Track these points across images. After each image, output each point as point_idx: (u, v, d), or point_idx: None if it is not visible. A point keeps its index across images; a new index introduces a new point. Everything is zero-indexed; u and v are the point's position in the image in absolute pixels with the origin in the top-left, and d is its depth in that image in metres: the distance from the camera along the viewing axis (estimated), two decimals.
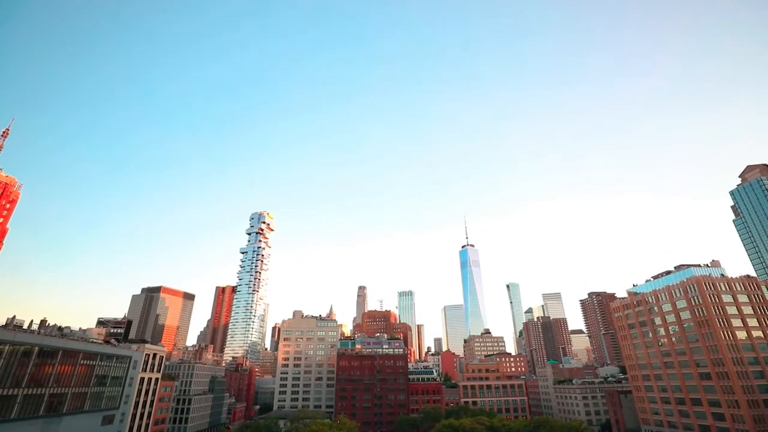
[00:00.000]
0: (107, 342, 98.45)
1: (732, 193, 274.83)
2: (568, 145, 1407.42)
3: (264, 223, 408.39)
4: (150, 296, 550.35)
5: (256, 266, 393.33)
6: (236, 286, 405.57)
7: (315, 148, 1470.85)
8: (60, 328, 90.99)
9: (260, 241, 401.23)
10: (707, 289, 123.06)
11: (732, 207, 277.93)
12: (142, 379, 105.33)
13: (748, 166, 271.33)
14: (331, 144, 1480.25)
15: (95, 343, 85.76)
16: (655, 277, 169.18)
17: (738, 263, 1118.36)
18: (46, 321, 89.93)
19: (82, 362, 74.06)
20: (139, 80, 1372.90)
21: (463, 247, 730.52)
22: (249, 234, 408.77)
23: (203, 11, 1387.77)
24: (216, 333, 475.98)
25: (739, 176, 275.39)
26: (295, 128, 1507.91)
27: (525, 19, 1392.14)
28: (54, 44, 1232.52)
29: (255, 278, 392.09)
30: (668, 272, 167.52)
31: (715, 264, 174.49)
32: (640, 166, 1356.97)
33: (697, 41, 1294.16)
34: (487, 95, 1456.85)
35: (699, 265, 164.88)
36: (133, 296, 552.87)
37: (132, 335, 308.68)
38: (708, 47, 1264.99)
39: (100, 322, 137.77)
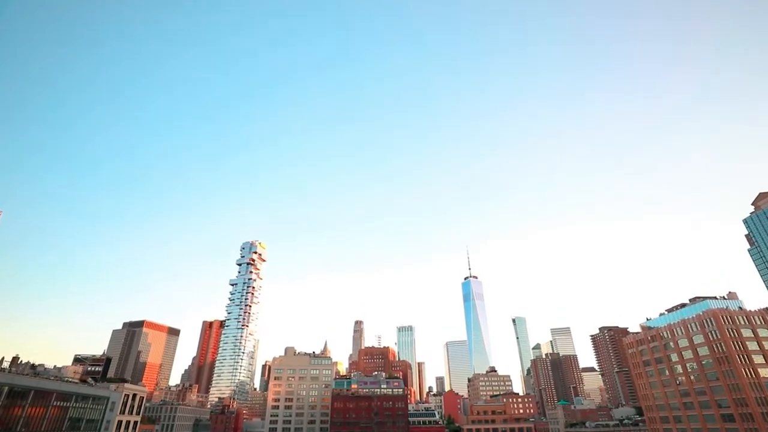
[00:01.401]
0: (84, 381, 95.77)
1: (745, 221, 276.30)
2: (575, 169, 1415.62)
3: (255, 253, 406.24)
4: (132, 331, 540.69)
5: (246, 299, 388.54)
6: (224, 321, 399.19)
7: (310, 174, 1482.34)
8: (33, 366, 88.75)
9: (251, 272, 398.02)
10: (725, 323, 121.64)
11: (746, 236, 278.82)
12: (120, 422, 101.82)
13: (760, 193, 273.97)
14: (326, 171, 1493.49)
15: (70, 382, 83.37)
16: (669, 311, 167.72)
17: (755, 294, 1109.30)
18: (19, 358, 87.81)
19: (55, 403, 71.76)
20: (123, 98, 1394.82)
21: (465, 278, 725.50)
22: (239, 265, 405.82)
23: (192, 18, 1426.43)
24: (201, 371, 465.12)
25: (752, 204, 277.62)
26: (289, 152, 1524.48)
27: (534, 31, 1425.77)
28: (33, 59, 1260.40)
29: (245, 312, 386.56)
30: (683, 305, 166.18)
31: (732, 296, 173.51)
32: (650, 190, 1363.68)
33: (718, 54, 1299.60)
34: (490, 113, 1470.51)
35: (715, 297, 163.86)
36: (114, 331, 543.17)
37: (111, 373, 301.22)
38: (730, 61, 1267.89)
39: (77, 360, 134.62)
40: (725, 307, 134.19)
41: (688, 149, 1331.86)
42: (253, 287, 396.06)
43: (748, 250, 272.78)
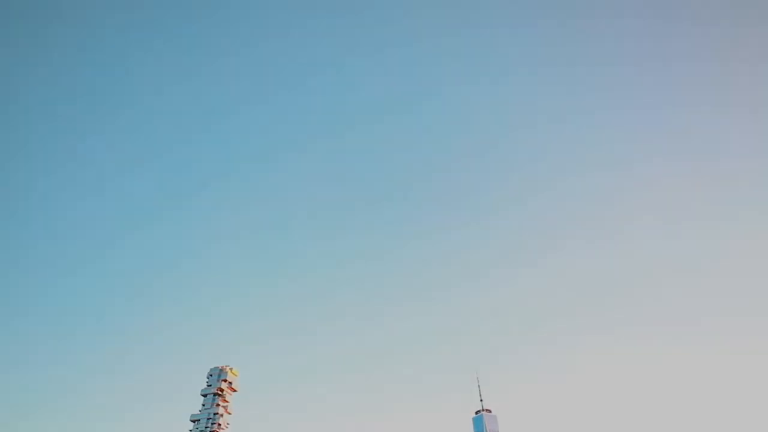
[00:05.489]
0: None
1: None
2: (600, 273, 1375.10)
3: (225, 381, 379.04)
4: None
5: None
6: None
7: (296, 289, 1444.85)
8: None
9: (218, 405, 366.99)
10: None
11: None
12: None
13: None
14: (316, 285, 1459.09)
15: None
16: None
17: None
18: None
19: None
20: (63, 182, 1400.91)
21: (477, 413, 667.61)
22: (204, 395, 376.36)
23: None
24: None
25: None
26: (276, 257, 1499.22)
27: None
28: None
29: None
30: None
31: None
32: (690, 314, 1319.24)
33: None
34: (498, 210, 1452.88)
35: None
36: None
37: None
38: None
39: None
40: None
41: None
42: (219, 423, 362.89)
43: None
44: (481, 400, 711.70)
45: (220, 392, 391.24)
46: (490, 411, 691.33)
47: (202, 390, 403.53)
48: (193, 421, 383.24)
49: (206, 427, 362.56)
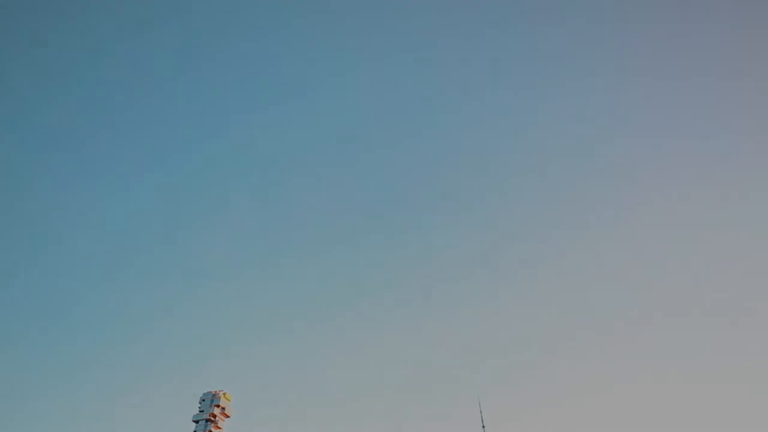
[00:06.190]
0: None
1: None
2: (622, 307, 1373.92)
3: (218, 406, 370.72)
4: None
5: None
6: None
7: (292, 309, 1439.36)
8: None
9: (210, 431, 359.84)
10: None
11: None
12: None
13: None
14: (310, 305, 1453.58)
15: None
16: None
17: None
18: None
19: None
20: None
21: None
22: (196, 422, 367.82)
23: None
24: None
25: None
26: (269, 277, 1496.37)
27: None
28: None
29: None
30: None
31: None
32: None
33: None
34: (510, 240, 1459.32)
35: None
36: None
37: None
38: None
39: None
40: None
41: None
42: None
43: None
44: (483, 426, 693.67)
45: (212, 418, 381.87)
46: None
47: (194, 416, 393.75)
48: None
49: None
